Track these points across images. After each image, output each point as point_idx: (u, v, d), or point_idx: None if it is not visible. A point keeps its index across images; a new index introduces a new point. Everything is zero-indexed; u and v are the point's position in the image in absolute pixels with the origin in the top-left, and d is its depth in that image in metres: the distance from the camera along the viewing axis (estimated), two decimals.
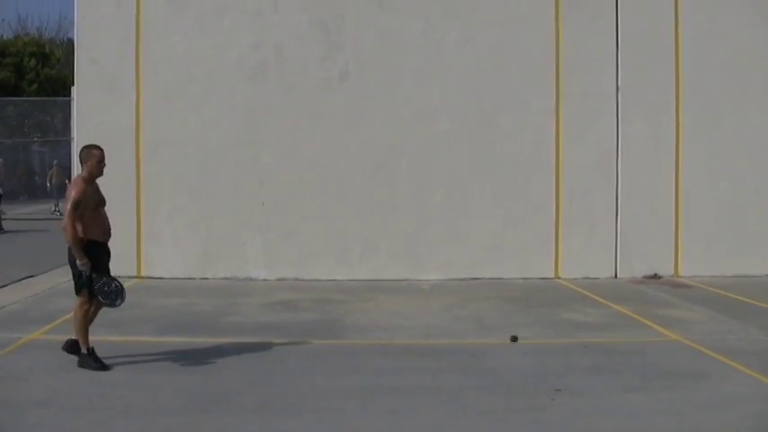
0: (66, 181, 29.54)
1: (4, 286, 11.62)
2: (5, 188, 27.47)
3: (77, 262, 6.81)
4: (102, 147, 7.17)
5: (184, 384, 6.60)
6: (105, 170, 7.12)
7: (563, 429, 5.58)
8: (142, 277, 12.37)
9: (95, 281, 6.82)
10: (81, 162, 7.09)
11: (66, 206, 6.86)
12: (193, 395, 6.28)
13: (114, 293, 6.87)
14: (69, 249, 6.90)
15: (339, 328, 8.91)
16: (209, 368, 7.12)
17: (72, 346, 7.16)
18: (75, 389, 6.43)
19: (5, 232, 20.41)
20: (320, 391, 6.41)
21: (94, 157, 7.03)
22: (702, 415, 5.89)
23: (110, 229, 7.18)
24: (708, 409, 6.01)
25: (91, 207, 6.93)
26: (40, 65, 38.97)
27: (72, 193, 6.85)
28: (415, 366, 7.23)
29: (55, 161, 28.91)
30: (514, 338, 8.20)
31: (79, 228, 6.84)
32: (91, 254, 6.87)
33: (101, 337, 7.46)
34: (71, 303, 8.52)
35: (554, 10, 12.63)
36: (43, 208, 27.21)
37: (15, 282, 12.02)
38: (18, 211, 26.51)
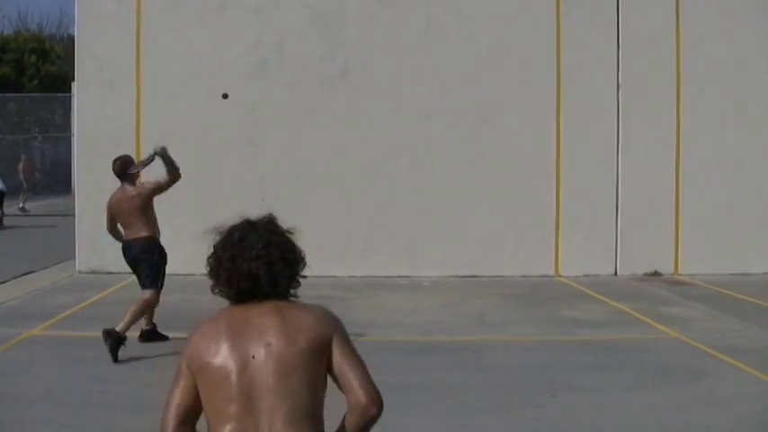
0: (37, 174, 28.90)
1: (4, 282, 11.62)
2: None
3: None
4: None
5: None
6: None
7: (562, 426, 5.58)
8: None
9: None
10: None
11: (149, 186, 7.74)
12: None
13: None
14: (146, 245, 7.57)
15: None
16: None
17: (148, 335, 7.76)
18: (75, 385, 6.43)
19: (5, 228, 20.40)
20: None
21: None
22: (702, 412, 5.90)
23: None
24: (708, 407, 6.02)
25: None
26: (41, 61, 38.94)
27: (158, 179, 7.75)
28: (415, 363, 7.23)
29: (23, 155, 27.38)
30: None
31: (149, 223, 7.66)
32: (160, 251, 7.76)
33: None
34: (71, 300, 8.55)
35: (555, 7, 12.61)
36: (42, 204, 27.18)
37: (15, 278, 12.01)
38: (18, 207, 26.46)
